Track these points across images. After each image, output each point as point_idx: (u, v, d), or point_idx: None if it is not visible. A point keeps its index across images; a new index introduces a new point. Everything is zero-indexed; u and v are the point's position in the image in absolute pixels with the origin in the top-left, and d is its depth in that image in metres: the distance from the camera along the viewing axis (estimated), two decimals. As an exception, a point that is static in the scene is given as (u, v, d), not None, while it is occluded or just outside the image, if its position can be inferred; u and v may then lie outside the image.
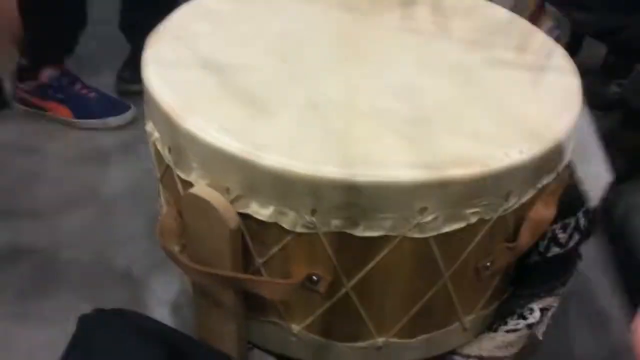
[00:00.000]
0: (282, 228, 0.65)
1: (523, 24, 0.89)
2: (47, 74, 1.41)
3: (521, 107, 0.72)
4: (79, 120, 1.42)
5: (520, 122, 0.70)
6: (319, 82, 0.74)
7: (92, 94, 1.43)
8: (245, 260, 0.69)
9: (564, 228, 0.71)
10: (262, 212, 0.65)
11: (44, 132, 1.40)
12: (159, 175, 0.78)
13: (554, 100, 0.73)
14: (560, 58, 0.82)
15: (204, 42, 0.80)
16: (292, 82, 0.74)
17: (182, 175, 0.70)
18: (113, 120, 1.41)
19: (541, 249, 0.72)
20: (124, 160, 1.33)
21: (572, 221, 0.71)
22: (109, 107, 1.43)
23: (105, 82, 1.53)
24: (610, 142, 1.32)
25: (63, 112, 1.42)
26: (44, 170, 1.30)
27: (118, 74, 1.55)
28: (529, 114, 0.71)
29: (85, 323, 0.69)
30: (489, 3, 0.92)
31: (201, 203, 0.66)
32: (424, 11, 0.90)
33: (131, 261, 1.10)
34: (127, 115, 1.42)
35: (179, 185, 0.72)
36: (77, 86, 1.43)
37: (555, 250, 0.72)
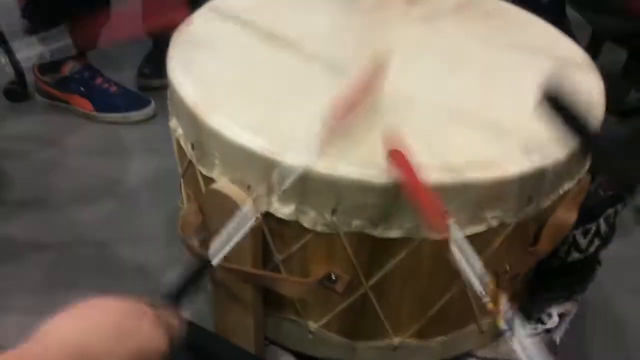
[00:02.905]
0: (303, 226, 0.66)
1: (546, 26, 0.89)
2: (69, 66, 1.42)
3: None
4: (100, 114, 1.43)
5: (542, 126, 0.69)
6: (342, 81, 0.74)
7: (114, 88, 1.44)
8: (264, 257, 0.70)
9: (585, 233, 0.71)
10: (283, 210, 0.65)
11: (65, 125, 1.42)
12: (181, 170, 0.79)
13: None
14: (583, 62, 0.82)
15: (228, 39, 0.80)
16: (315, 81, 0.74)
17: (204, 172, 0.71)
18: (134, 115, 1.43)
19: (561, 254, 0.71)
20: (143, 154, 1.34)
21: (593, 227, 0.71)
22: (130, 101, 1.44)
23: (125, 77, 1.54)
24: (630, 148, 1.31)
25: (84, 105, 1.43)
26: (64, 163, 1.32)
27: (139, 69, 1.56)
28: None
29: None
30: (509, 4, 0.92)
31: (223, 199, 0.67)
32: (445, 9, 0.90)
33: (149, 254, 1.11)
34: (148, 110, 1.43)
35: (201, 181, 0.72)
36: (99, 79, 1.45)
37: (575, 255, 0.71)
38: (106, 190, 1.25)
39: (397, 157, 0.60)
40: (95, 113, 1.43)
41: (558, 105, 0.61)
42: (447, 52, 0.82)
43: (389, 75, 0.76)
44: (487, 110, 0.71)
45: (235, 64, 0.76)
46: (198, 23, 0.84)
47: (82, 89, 1.43)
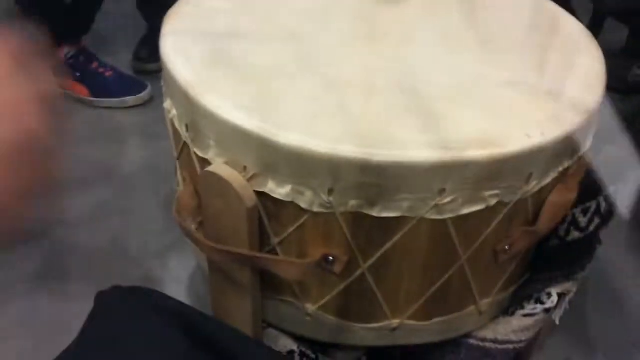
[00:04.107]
0: (299, 207, 0.65)
1: (549, 5, 0.87)
2: (64, 52, 1.41)
3: (544, 88, 0.71)
4: (96, 99, 1.42)
5: (542, 103, 0.68)
6: (337, 61, 0.73)
7: (109, 73, 1.43)
8: (261, 239, 0.69)
9: (585, 212, 0.70)
10: (279, 190, 0.65)
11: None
12: (176, 153, 0.78)
13: (578, 82, 0.72)
14: (585, 40, 0.80)
15: (222, 19, 0.79)
16: (310, 60, 0.73)
17: (200, 153, 0.70)
18: (130, 99, 1.42)
19: (561, 233, 0.71)
20: (140, 139, 1.34)
21: (593, 205, 0.70)
22: (126, 86, 1.43)
23: (121, 60, 1.53)
24: (632, 125, 1.30)
25: (80, 90, 1.42)
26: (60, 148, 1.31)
27: (135, 52, 1.55)
28: (552, 95, 0.70)
29: (103, 300, 0.69)
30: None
31: (218, 181, 0.66)
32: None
33: (147, 239, 1.11)
34: (144, 95, 1.42)
35: (196, 163, 0.71)
36: (94, 64, 1.43)
37: (575, 234, 0.71)
38: (103, 176, 1.25)
39: None
40: (90, 98, 1.42)
41: None
42: (444, 31, 0.80)
43: (385, 55, 0.75)
44: (486, 88, 0.70)
45: (230, 43, 0.74)
46: (191, 2, 0.82)
47: (77, 74, 1.41)
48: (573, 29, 0.82)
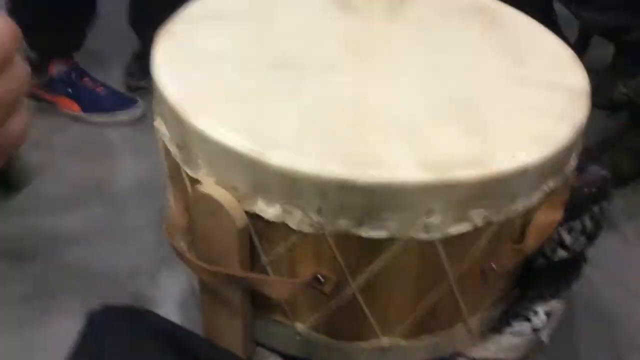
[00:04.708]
0: (289, 227, 0.65)
1: (532, 24, 0.89)
2: (56, 67, 1.42)
3: (529, 108, 0.72)
4: (87, 115, 1.42)
5: (528, 123, 0.70)
6: (327, 81, 0.74)
7: (101, 89, 1.44)
8: (251, 258, 0.70)
9: (570, 231, 0.71)
10: (269, 210, 0.65)
11: (52, 126, 1.41)
12: (166, 171, 0.78)
13: (563, 102, 0.73)
14: (569, 59, 0.82)
15: (212, 39, 0.80)
16: (300, 81, 0.74)
17: (190, 173, 0.70)
18: (121, 115, 1.42)
19: (547, 252, 0.72)
20: (131, 155, 1.34)
21: (578, 224, 0.71)
22: (117, 102, 1.43)
23: (113, 77, 1.54)
24: (618, 142, 1.32)
25: (71, 106, 1.43)
26: (51, 165, 1.31)
27: (126, 69, 1.55)
28: (537, 115, 0.71)
29: (93, 320, 0.70)
30: (494, 1, 0.92)
31: (209, 201, 0.66)
32: (430, 10, 0.90)
33: (138, 257, 1.11)
34: (136, 111, 1.43)
35: (187, 183, 0.72)
36: (86, 80, 1.44)
37: (561, 253, 0.72)
38: (94, 193, 1.25)
39: None
40: (82, 114, 1.42)
41: None
42: (432, 51, 0.81)
43: (374, 76, 0.76)
44: (472, 108, 0.71)
45: (220, 63, 0.75)
46: (183, 21, 0.83)
47: (69, 90, 1.42)
48: (558, 49, 0.84)
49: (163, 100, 0.71)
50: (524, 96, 0.74)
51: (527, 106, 0.72)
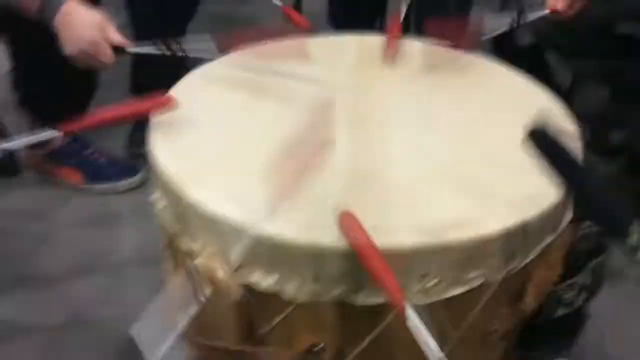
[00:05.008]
0: (284, 297, 0.65)
1: (521, 80, 0.90)
2: (59, 139, 1.44)
3: (522, 166, 0.72)
4: (90, 185, 1.44)
5: (521, 181, 0.70)
6: (320, 147, 0.75)
7: (103, 158, 1.46)
8: (248, 329, 0.69)
9: (570, 288, 0.71)
10: (265, 281, 0.65)
11: (55, 198, 1.42)
12: (164, 243, 0.79)
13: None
14: (558, 114, 0.82)
15: (209, 111, 0.82)
16: (295, 152, 0.74)
17: (186, 246, 0.71)
18: (123, 184, 1.43)
19: (548, 309, 0.71)
20: (134, 223, 1.34)
21: (577, 280, 0.71)
22: (119, 170, 1.45)
23: (116, 144, 1.56)
24: (615, 188, 1.32)
25: (74, 177, 1.44)
26: (55, 237, 1.32)
27: (129, 136, 1.57)
28: (530, 173, 0.71)
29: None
30: (481, 59, 0.94)
31: (204, 273, 0.66)
32: (418, 69, 0.92)
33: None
34: (137, 179, 1.44)
35: (183, 255, 0.72)
36: (88, 151, 1.46)
37: (562, 310, 0.71)
38: (97, 263, 1.25)
39: (350, 225, 0.60)
40: (84, 184, 1.43)
41: (544, 143, 0.62)
42: (423, 111, 0.83)
43: (365, 139, 0.77)
44: (464, 168, 0.72)
45: (217, 134, 0.77)
46: (181, 92, 0.85)
47: (71, 161, 1.44)
48: (546, 102, 0.85)
49: (159, 174, 0.72)
50: (515, 154, 0.74)
51: (519, 164, 0.72)
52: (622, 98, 1.53)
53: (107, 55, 0.94)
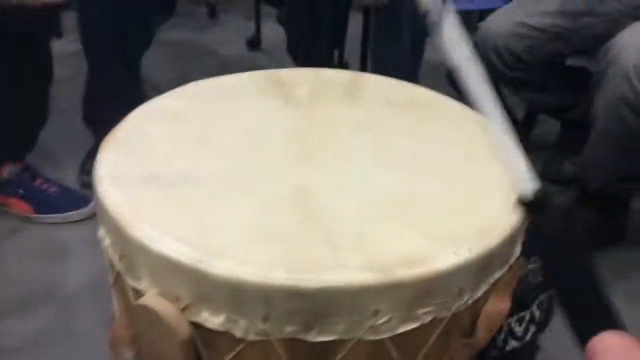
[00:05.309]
0: (235, 336, 0.64)
1: (473, 114, 0.91)
2: (8, 169, 1.40)
3: (473, 201, 0.73)
4: (40, 215, 1.40)
5: (470, 217, 0.71)
6: (272, 184, 0.74)
7: (53, 189, 1.42)
8: (198, 369, 0.68)
9: (520, 321, 0.71)
10: (214, 320, 0.64)
11: (3, 229, 1.38)
12: (111, 281, 0.77)
13: (504, 194, 0.74)
14: (509, 147, 0.84)
15: (157, 145, 0.80)
16: (244, 185, 0.74)
17: (133, 284, 0.69)
18: (74, 215, 1.40)
19: (499, 343, 0.71)
20: (85, 255, 1.31)
21: (526, 314, 0.71)
22: (70, 201, 1.42)
23: (68, 174, 1.53)
24: (569, 217, 1.35)
25: (23, 208, 1.40)
26: (2, 269, 1.28)
27: (81, 165, 1.55)
28: (480, 208, 0.72)
29: None
30: (436, 94, 0.95)
31: (151, 313, 0.65)
32: (373, 103, 0.93)
33: (90, 362, 1.07)
34: (89, 209, 1.41)
35: (130, 293, 0.70)
36: (38, 181, 1.43)
37: (513, 343, 0.71)
38: (46, 297, 1.21)
39: None
40: (34, 215, 1.40)
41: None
42: (378, 147, 0.83)
43: (318, 173, 0.77)
44: (415, 204, 0.72)
45: (163, 169, 0.75)
46: (130, 126, 0.84)
47: (20, 191, 1.40)
48: (498, 137, 0.86)
49: (104, 211, 0.70)
50: (466, 190, 0.76)
51: (469, 200, 0.74)
52: (573, 129, 1.58)
53: None
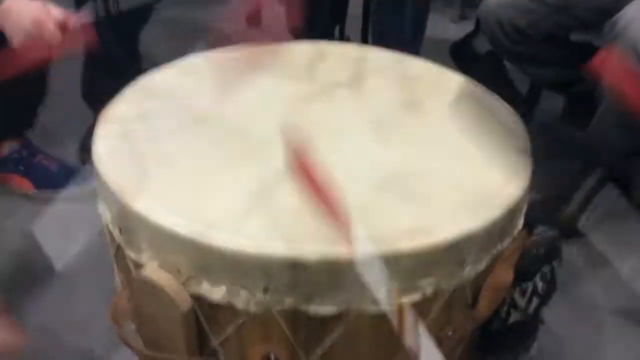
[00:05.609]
0: (236, 308, 0.64)
1: (475, 88, 0.90)
2: (7, 146, 1.39)
3: (474, 173, 0.73)
4: (40, 192, 1.39)
5: (472, 189, 0.70)
6: (270, 158, 0.73)
7: (53, 165, 1.41)
8: (200, 341, 0.68)
9: (523, 293, 0.71)
10: (215, 292, 0.64)
11: (4, 206, 1.37)
12: (112, 254, 0.76)
13: (506, 165, 0.73)
14: (511, 121, 0.83)
15: (155, 120, 0.80)
16: (241, 159, 0.73)
17: (133, 257, 0.69)
18: (75, 190, 1.39)
19: (502, 315, 0.71)
20: (85, 231, 1.30)
21: (529, 286, 0.71)
22: (70, 177, 1.41)
23: (68, 151, 1.52)
24: (574, 189, 1.34)
25: (24, 184, 1.39)
26: (3, 246, 1.27)
27: (81, 142, 1.53)
28: (481, 180, 0.72)
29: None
30: (440, 68, 0.94)
31: (152, 286, 0.65)
32: (373, 77, 0.91)
33: (92, 339, 1.07)
34: (89, 185, 1.40)
35: (131, 266, 0.70)
36: (38, 157, 1.41)
37: (515, 316, 0.71)
38: (46, 273, 1.21)
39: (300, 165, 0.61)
40: (34, 191, 1.39)
41: None
42: (377, 121, 0.82)
43: (321, 148, 0.76)
44: (415, 176, 0.72)
45: (161, 144, 0.75)
46: (128, 101, 0.83)
47: (21, 168, 1.39)
48: (498, 109, 0.85)
49: (104, 185, 0.70)
50: (467, 162, 0.75)
51: (471, 172, 0.73)
52: (578, 104, 1.56)
53: (52, 32, 0.92)
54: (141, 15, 1.49)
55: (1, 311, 0.73)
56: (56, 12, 0.94)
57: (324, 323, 0.64)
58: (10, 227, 1.32)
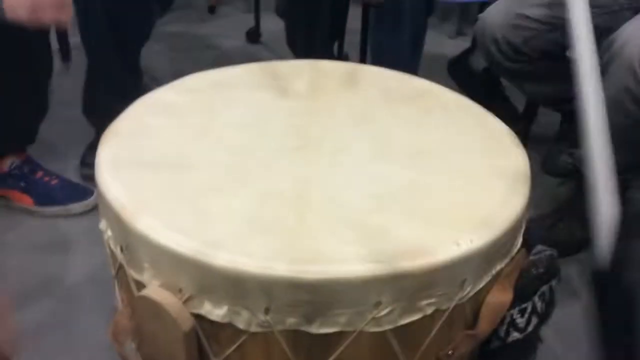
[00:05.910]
0: (237, 327, 0.64)
1: (472, 106, 0.91)
2: (8, 162, 1.40)
3: (473, 193, 0.73)
4: (40, 208, 1.40)
5: (471, 209, 0.70)
6: (271, 176, 0.74)
7: (54, 181, 1.42)
8: (201, 360, 0.68)
9: (522, 313, 0.71)
10: (216, 312, 0.64)
11: (4, 222, 1.38)
12: (113, 272, 0.77)
13: (505, 185, 0.74)
14: (509, 140, 0.84)
15: (157, 138, 0.80)
16: (244, 177, 0.74)
17: (135, 275, 0.69)
18: (75, 207, 1.40)
19: (501, 334, 0.71)
20: (85, 247, 1.31)
21: (528, 305, 0.71)
22: (71, 193, 1.41)
23: (69, 166, 1.52)
24: (571, 209, 1.35)
25: (24, 200, 1.40)
26: (3, 262, 1.27)
27: (81, 158, 1.54)
28: (480, 200, 0.72)
29: None
30: (436, 85, 0.95)
31: (153, 305, 0.65)
32: (372, 95, 0.92)
33: (91, 354, 1.07)
34: (90, 201, 1.40)
35: (132, 285, 0.70)
36: (39, 173, 1.42)
37: (515, 335, 0.71)
38: (47, 289, 1.21)
39: None
40: (35, 208, 1.39)
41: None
42: (377, 138, 0.83)
43: (318, 165, 0.77)
44: (417, 195, 0.72)
45: (163, 162, 0.75)
46: (130, 119, 0.84)
47: (21, 184, 1.40)
48: (499, 131, 0.86)
49: (106, 203, 0.70)
50: (467, 181, 0.75)
51: (470, 191, 0.74)
52: (571, 121, 1.57)
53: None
54: (143, 31, 1.50)
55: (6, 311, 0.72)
56: None
57: (325, 342, 0.65)
58: (11, 242, 1.32)
